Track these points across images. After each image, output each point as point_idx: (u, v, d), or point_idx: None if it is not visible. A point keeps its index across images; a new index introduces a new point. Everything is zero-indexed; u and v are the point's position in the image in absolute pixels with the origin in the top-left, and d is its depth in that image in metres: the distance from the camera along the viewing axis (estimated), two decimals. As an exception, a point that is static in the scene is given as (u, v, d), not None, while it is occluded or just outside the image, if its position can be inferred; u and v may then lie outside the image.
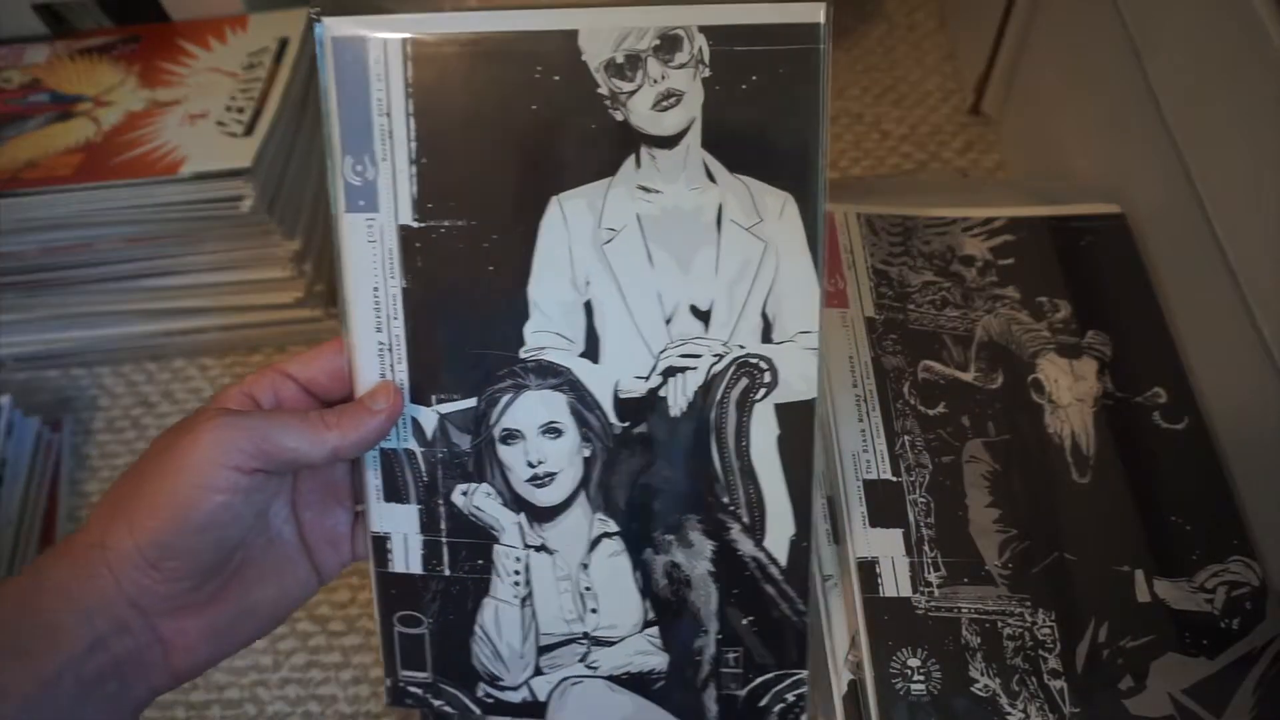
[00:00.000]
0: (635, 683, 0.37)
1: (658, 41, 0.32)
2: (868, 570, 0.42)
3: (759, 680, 0.37)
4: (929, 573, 0.42)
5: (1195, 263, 0.46)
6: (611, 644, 0.37)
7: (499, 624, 0.37)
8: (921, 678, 0.39)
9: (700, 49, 0.32)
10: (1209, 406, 0.46)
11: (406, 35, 0.32)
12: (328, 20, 0.33)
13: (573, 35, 0.32)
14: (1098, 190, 0.54)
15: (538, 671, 0.37)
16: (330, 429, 0.34)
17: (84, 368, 0.66)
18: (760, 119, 0.33)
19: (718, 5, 0.32)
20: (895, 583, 0.41)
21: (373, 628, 0.48)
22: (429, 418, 0.36)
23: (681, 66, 0.32)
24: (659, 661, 0.37)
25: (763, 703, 0.37)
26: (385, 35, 0.33)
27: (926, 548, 0.42)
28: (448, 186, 0.34)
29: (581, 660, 0.37)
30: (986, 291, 0.50)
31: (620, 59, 0.32)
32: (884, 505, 0.43)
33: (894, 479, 0.44)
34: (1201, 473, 0.44)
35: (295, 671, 0.55)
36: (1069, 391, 0.47)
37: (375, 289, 0.35)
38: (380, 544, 0.38)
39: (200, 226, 0.56)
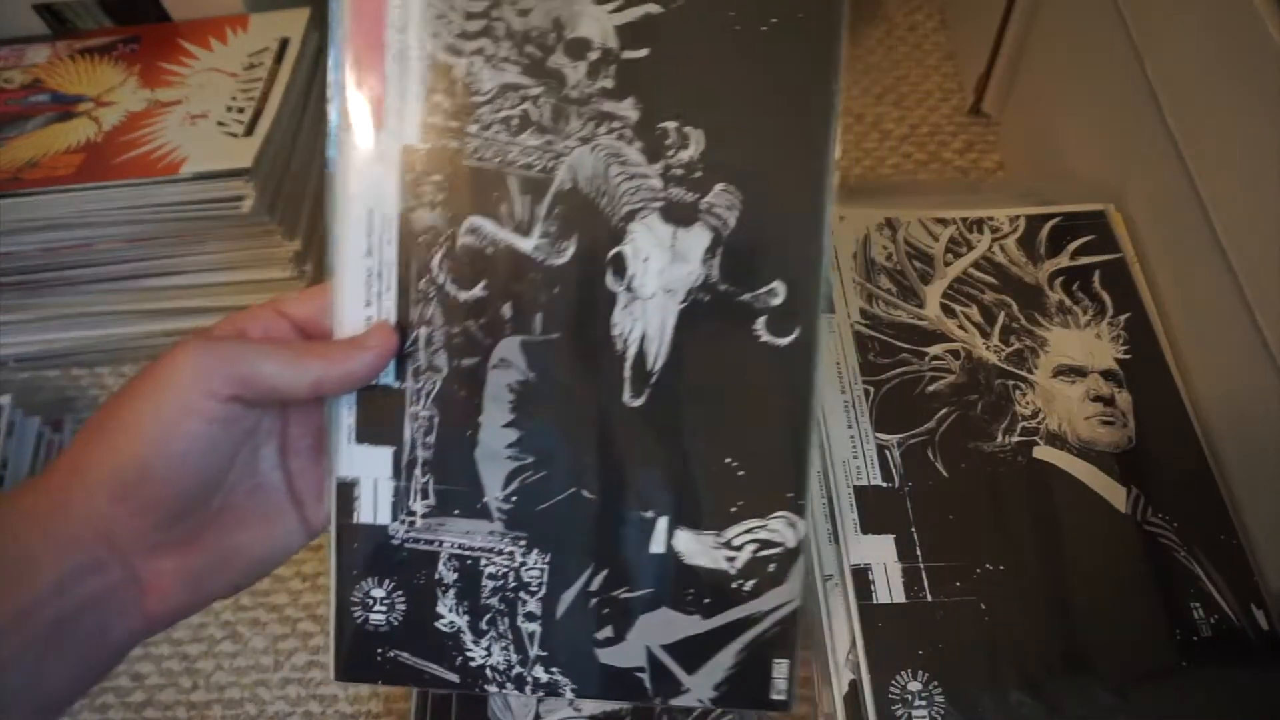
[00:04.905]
0: None
1: None
2: None
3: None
4: (415, 500, 0.36)
5: (1195, 263, 0.46)
6: None
7: (509, 705, 0.50)
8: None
9: None
10: (1209, 406, 0.46)
11: None
12: None
13: None
14: (1098, 190, 0.54)
15: (538, 717, 0.49)
16: (315, 358, 0.33)
17: (84, 368, 0.66)
18: None
19: None
20: (375, 510, 0.36)
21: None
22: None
23: None
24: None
25: None
26: None
27: (418, 471, 0.36)
28: None
29: (570, 703, 0.49)
30: (591, 105, 0.34)
31: None
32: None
33: (396, 386, 0.36)
34: (791, 402, 0.36)
35: (296, 671, 0.55)
36: (658, 277, 0.35)
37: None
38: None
39: (201, 227, 0.56)
